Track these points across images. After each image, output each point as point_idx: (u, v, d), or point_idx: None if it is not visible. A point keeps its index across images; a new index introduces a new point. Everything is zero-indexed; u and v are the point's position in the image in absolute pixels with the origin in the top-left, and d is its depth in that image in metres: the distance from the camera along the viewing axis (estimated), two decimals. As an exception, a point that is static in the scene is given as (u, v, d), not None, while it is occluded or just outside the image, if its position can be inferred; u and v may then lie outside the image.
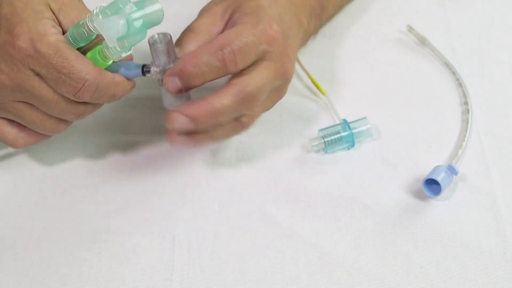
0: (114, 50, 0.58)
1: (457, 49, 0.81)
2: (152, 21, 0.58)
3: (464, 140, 0.71)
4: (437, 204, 0.66)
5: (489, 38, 0.83)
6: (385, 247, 0.63)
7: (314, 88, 0.77)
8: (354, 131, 0.70)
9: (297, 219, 0.66)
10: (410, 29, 0.82)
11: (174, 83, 0.59)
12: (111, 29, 0.56)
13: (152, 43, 0.60)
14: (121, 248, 0.64)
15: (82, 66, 0.57)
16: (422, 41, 0.82)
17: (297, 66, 0.78)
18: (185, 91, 0.61)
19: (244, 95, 0.60)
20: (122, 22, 0.56)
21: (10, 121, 0.63)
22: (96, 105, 0.63)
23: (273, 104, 0.65)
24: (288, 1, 0.68)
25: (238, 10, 0.64)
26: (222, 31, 0.64)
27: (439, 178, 0.65)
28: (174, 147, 0.62)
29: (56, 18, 0.60)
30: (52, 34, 0.57)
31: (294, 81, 0.77)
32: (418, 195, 0.67)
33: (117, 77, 0.60)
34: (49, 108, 0.60)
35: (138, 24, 0.57)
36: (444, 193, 0.66)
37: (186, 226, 0.65)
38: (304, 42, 0.74)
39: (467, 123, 0.73)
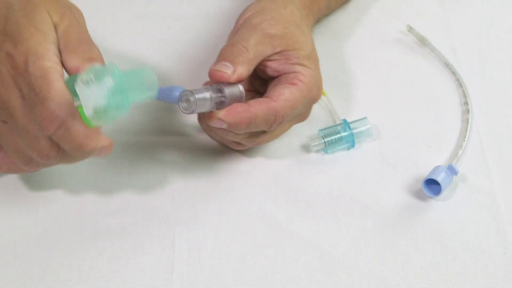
0: (89, 118, 0.54)
1: (457, 49, 0.81)
2: (143, 93, 0.53)
3: (464, 140, 0.71)
4: (437, 204, 0.66)
5: (489, 38, 0.83)
6: (385, 247, 0.63)
7: (314, 88, 0.77)
8: (354, 131, 0.70)
9: (297, 219, 0.66)
10: (410, 29, 0.82)
11: (221, 125, 0.62)
12: (88, 98, 0.52)
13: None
14: (121, 248, 0.63)
15: (58, 98, 0.54)
16: (422, 41, 0.82)
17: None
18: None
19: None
20: (103, 92, 0.52)
21: None
22: (65, 158, 0.59)
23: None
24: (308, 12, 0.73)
25: (294, 56, 0.66)
26: (269, 56, 0.66)
27: (439, 178, 0.65)
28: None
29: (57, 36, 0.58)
30: (50, 60, 0.56)
31: (294, 81, 0.77)
32: (418, 195, 0.67)
33: (93, 131, 0.56)
34: (20, 134, 0.57)
35: (121, 97, 0.52)
36: (444, 193, 0.66)
37: (186, 226, 0.65)
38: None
39: (467, 123, 0.73)
